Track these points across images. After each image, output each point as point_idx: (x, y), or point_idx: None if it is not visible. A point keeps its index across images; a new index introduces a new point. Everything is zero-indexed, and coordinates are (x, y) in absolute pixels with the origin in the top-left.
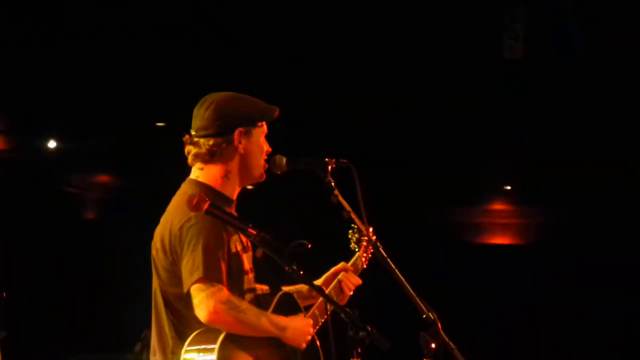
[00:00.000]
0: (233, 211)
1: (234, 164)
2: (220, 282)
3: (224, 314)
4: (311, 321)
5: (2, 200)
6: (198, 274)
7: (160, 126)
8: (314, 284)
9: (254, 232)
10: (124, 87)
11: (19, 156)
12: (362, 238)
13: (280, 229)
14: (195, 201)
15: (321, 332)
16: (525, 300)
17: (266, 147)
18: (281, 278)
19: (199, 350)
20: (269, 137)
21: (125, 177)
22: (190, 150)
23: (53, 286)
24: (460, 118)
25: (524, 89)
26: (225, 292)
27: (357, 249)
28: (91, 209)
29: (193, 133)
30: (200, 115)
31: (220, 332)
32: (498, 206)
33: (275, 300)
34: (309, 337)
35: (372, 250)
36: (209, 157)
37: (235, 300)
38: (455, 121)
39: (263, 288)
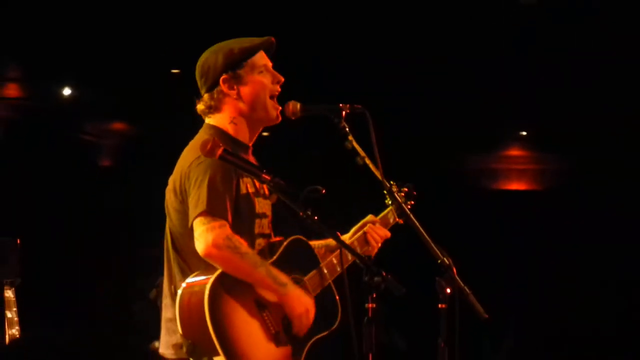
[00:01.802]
0: (250, 157)
1: (234, 110)
2: (223, 218)
3: (221, 250)
4: (312, 303)
5: (18, 147)
6: (201, 207)
7: (176, 73)
8: (329, 230)
9: (267, 177)
10: (139, 33)
11: (34, 104)
12: (399, 194)
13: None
14: (209, 146)
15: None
16: (540, 246)
17: (272, 79)
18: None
19: (194, 283)
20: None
21: (140, 125)
22: (198, 110)
23: (68, 232)
24: (476, 64)
25: (540, 34)
26: (227, 229)
27: (391, 203)
28: (106, 156)
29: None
30: (196, 77)
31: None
32: (514, 152)
33: (284, 245)
34: (305, 311)
35: (410, 204)
36: (208, 111)
37: (236, 240)
38: (471, 67)
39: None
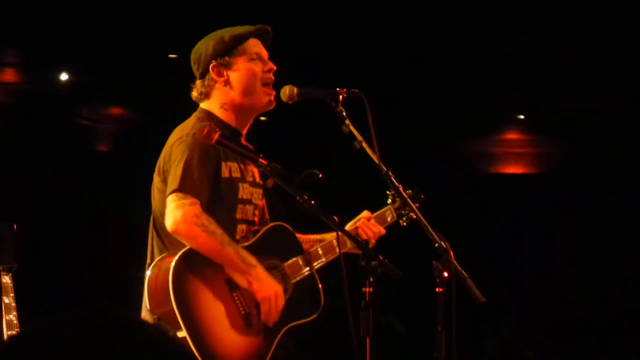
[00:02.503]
0: (242, 142)
1: (224, 96)
2: (196, 196)
3: (188, 226)
4: (281, 288)
5: (15, 132)
6: (174, 185)
7: (173, 58)
8: (325, 214)
9: (264, 162)
10: (137, 17)
11: (32, 89)
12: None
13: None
14: (205, 131)
15: (326, 267)
16: (538, 230)
17: (264, 67)
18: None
19: (163, 260)
20: (280, 69)
21: (138, 110)
22: (192, 96)
23: (65, 217)
24: (473, 47)
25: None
26: (197, 207)
27: (391, 203)
28: (104, 141)
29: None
30: (191, 65)
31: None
32: (512, 135)
33: (264, 230)
34: (272, 295)
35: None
36: (200, 97)
37: (205, 218)
38: (469, 50)
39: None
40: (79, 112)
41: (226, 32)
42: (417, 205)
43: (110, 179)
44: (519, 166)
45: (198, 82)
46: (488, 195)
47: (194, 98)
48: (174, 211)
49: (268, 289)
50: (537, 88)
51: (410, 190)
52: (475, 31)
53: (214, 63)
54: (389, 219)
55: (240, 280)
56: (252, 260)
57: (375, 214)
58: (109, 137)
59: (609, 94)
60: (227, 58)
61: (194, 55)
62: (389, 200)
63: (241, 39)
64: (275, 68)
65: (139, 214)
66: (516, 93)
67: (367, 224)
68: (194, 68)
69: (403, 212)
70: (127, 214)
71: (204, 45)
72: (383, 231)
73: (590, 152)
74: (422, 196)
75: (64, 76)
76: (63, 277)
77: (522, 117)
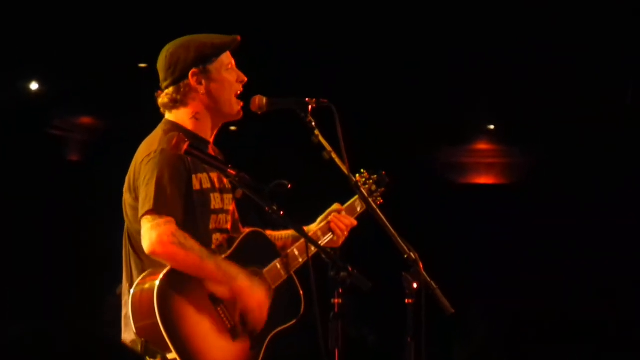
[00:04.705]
0: (210, 151)
1: (200, 105)
2: (170, 215)
3: (165, 246)
4: (265, 296)
5: None
6: (148, 206)
7: (143, 67)
8: (294, 223)
9: (233, 172)
10: (107, 27)
11: (1, 98)
12: (368, 182)
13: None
14: (174, 141)
15: (301, 273)
16: (508, 240)
17: (237, 78)
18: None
19: (145, 280)
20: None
21: (108, 119)
22: (158, 102)
23: (35, 228)
24: (443, 56)
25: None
26: (172, 226)
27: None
28: (74, 150)
29: (161, 87)
30: (159, 69)
31: None
32: (482, 146)
33: (240, 238)
34: (257, 305)
35: (382, 192)
36: (172, 104)
37: (181, 236)
38: (438, 60)
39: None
40: (49, 121)
41: (207, 40)
42: (383, 189)
43: (81, 189)
44: (489, 176)
45: (171, 88)
46: (458, 206)
47: (161, 105)
48: (150, 232)
49: (252, 300)
50: (507, 98)
51: (375, 176)
52: (445, 42)
53: (194, 70)
54: (358, 209)
55: (223, 293)
56: (233, 271)
57: (345, 205)
58: (79, 147)
59: (579, 104)
60: (207, 66)
61: (169, 59)
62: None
63: (222, 48)
64: (246, 79)
65: (111, 224)
66: (486, 103)
67: (338, 217)
68: (168, 72)
69: (372, 190)
70: (98, 224)
71: (183, 51)
72: (355, 222)
73: (560, 163)
74: (387, 180)
75: (33, 85)
76: (30, 287)
77: (492, 127)
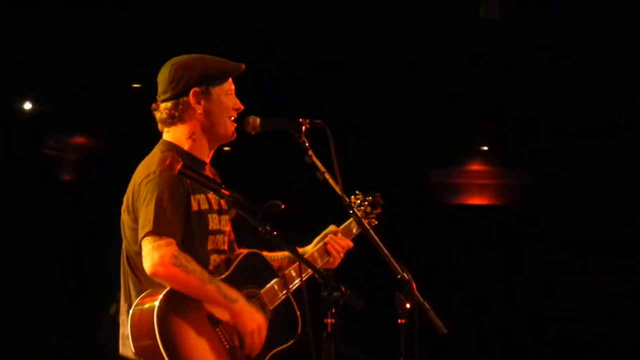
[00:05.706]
0: (207, 173)
1: (196, 125)
2: (171, 236)
3: (167, 268)
4: (263, 319)
5: None
6: (148, 227)
7: (137, 87)
8: (287, 244)
9: (227, 192)
10: (100, 47)
11: None
12: (363, 204)
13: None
14: (168, 162)
15: (296, 293)
16: (501, 261)
17: (234, 105)
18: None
19: (144, 301)
20: (243, 98)
21: (102, 139)
22: (156, 116)
23: (29, 247)
24: (437, 78)
25: (501, 50)
26: (173, 247)
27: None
28: (68, 170)
29: (158, 99)
30: (160, 81)
31: None
32: (475, 167)
33: (238, 259)
34: (256, 328)
35: (377, 213)
36: (170, 121)
37: (183, 257)
38: (432, 82)
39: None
40: (42, 141)
41: (214, 63)
42: (379, 211)
43: (74, 208)
44: (483, 197)
45: (170, 102)
46: (451, 227)
47: (160, 121)
48: (151, 254)
49: (251, 323)
50: (500, 119)
51: (370, 197)
52: (439, 64)
53: (196, 89)
54: (354, 231)
55: (222, 314)
56: (233, 294)
57: (341, 227)
58: (73, 166)
59: (572, 126)
60: (210, 88)
61: (173, 73)
62: (350, 211)
63: (227, 73)
64: (242, 108)
65: (104, 244)
66: (479, 124)
67: (335, 239)
68: (170, 85)
69: (367, 212)
70: (91, 244)
71: (190, 67)
72: (351, 244)
73: (553, 184)
74: (382, 202)
75: (27, 105)
76: (25, 307)
77: (485, 148)
